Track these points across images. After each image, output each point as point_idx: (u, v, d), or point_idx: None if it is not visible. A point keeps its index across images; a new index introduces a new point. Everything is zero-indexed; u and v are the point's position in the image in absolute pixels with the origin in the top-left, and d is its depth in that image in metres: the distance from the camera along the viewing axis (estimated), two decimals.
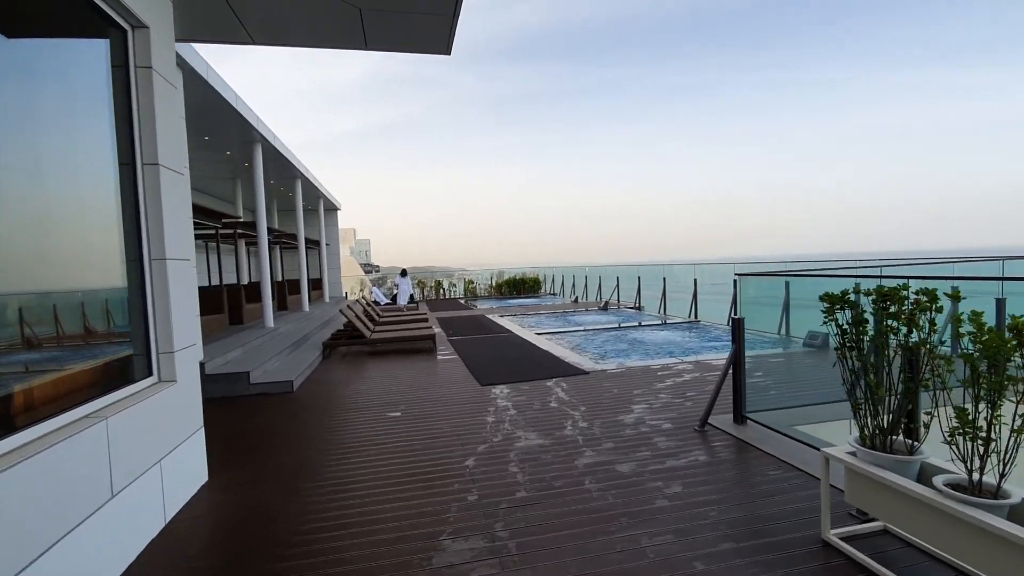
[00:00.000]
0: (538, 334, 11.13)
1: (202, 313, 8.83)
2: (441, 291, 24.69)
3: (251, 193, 10.94)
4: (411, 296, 20.23)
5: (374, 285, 25.08)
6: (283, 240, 16.18)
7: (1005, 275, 5.33)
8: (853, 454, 2.68)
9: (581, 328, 12.22)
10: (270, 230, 13.61)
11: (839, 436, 4.62)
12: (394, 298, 20.33)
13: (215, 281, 13.71)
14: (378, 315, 13.41)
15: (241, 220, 11.77)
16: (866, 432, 2.64)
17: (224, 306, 10.18)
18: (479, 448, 4.29)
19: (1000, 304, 4.50)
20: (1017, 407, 2.01)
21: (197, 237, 12.61)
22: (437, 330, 11.94)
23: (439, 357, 8.73)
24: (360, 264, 44.49)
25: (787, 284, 7.48)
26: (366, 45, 5.35)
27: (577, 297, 20.64)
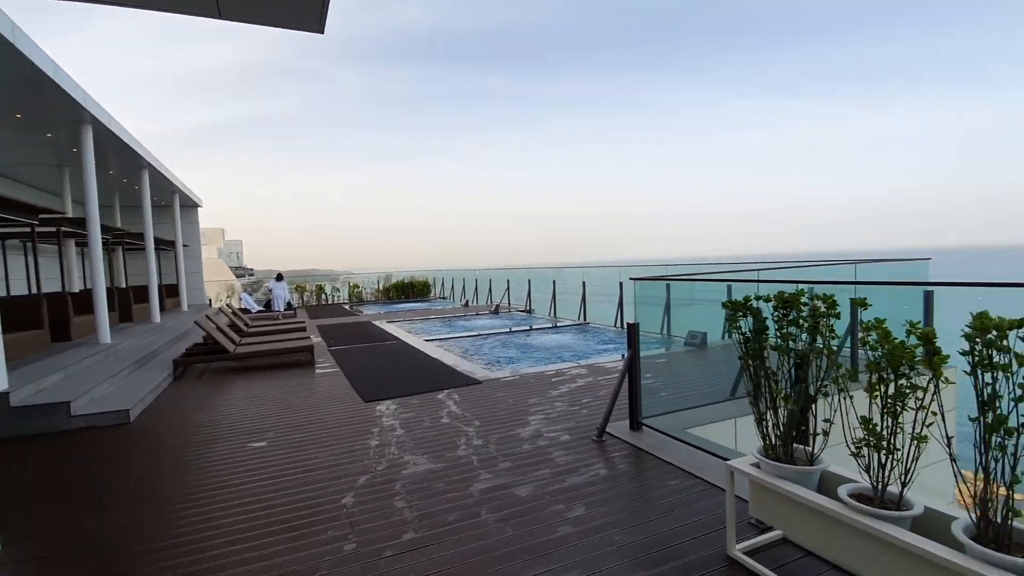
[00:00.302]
0: (427, 340, 10.62)
1: (12, 329, 7.19)
2: (323, 296, 23.05)
3: (82, 184, 9.16)
4: (288, 302, 18.57)
5: (245, 291, 22.67)
6: (127, 240, 13.95)
7: (857, 279, 5.94)
8: (756, 465, 2.60)
9: (473, 333, 11.90)
10: (109, 228, 11.61)
11: (726, 436, 4.71)
12: (268, 304, 18.49)
13: (33, 289, 11.38)
14: (247, 325, 12.01)
15: (67, 216, 9.87)
16: (768, 442, 2.58)
17: (44, 320, 8.41)
18: (359, 480, 3.75)
19: (854, 306, 4.91)
20: (916, 414, 1.99)
21: (7, 236, 10.40)
22: (316, 340, 10.94)
23: (318, 371, 7.89)
24: (231, 267, 40.39)
25: (668, 286, 7.74)
26: (219, 13, 4.56)
27: (468, 301, 20.33)
